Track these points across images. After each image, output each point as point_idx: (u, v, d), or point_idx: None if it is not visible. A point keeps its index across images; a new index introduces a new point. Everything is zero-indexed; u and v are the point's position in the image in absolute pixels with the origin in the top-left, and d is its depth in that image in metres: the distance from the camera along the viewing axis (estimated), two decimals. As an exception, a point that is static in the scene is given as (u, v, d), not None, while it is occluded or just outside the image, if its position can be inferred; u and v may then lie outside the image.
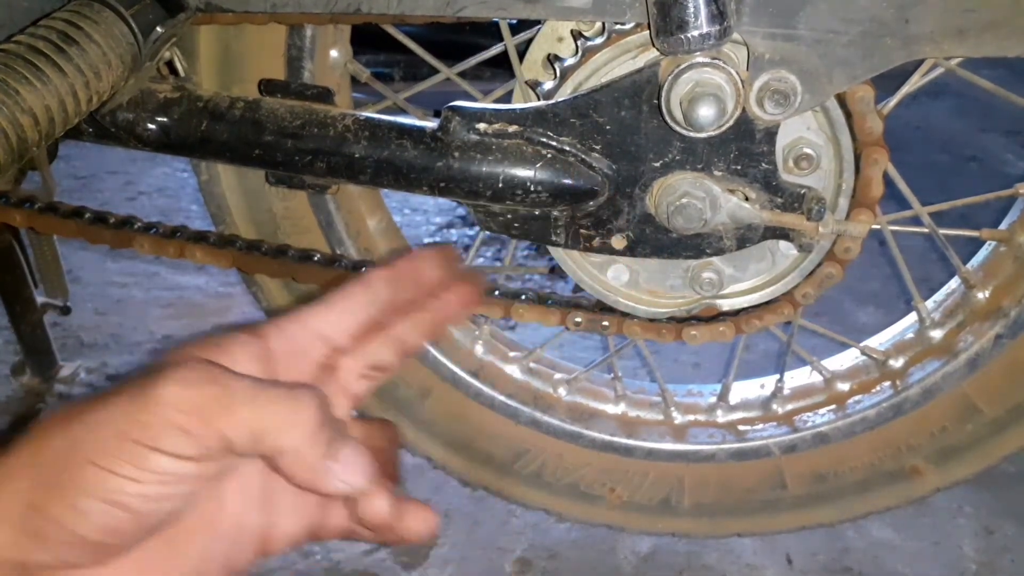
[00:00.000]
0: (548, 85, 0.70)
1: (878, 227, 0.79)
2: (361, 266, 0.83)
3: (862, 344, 0.93)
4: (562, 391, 0.97)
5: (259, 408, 0.42)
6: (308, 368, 0.50)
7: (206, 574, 0.48)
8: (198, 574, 0.48)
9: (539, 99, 0.70)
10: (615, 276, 0.79)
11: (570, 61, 0.69)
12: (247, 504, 0.49)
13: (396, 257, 0.56)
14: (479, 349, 0.96)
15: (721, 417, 0.96)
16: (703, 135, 0.65)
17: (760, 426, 0.95)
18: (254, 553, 0.50)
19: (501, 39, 0.78)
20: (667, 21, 0.59)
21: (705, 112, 0.63)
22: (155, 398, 0.40)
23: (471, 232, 1.83)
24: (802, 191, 0.69)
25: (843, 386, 0.93)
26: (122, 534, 0.41)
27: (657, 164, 0.68)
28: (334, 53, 0.80)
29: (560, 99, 0.68)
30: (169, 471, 0.40)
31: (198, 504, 0.46)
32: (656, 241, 0.72)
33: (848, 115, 0.69)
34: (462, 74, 0.82)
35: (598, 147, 0.68)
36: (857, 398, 0.92)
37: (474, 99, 0.76)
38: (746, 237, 0.71)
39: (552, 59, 0.71)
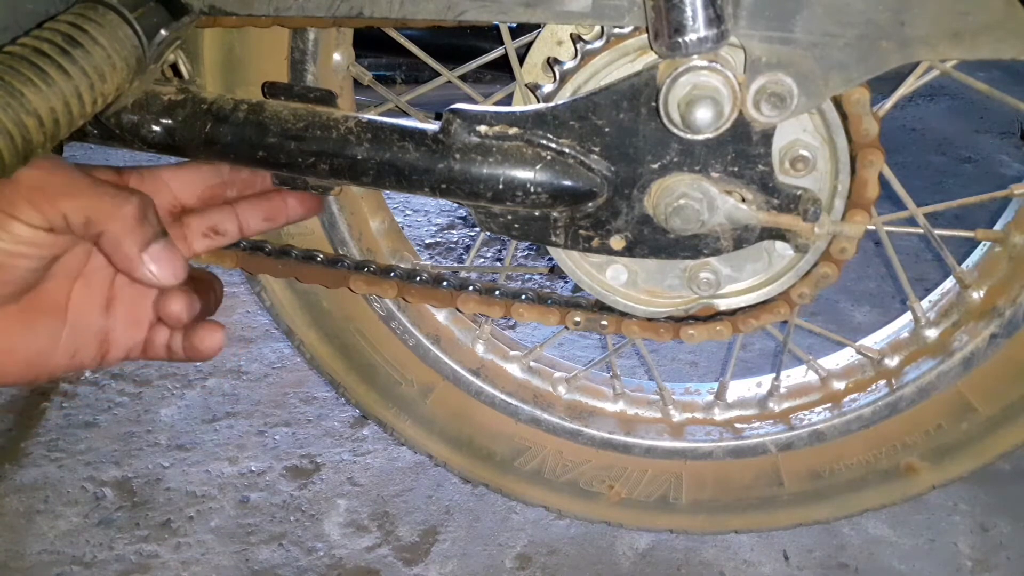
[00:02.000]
0: (548, 88, 0.71)
1: (873, 228, 0.79)
2: (363, 267, 0.83)
3: (858, 343, 0.93)
4: (561, 389, 0.98)
5: (93, 198, 0.55)
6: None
7: (53, 357, 0.59)
8: (46, 354, 0.59)
9: (539, 102, 0.71)
10: (614, 276, 0.79)
11: (569, 64, 0.69)
12: (91, 304, 0.62)
13: None
14: (480, 348, 0.96)
15: (718, 415, 0.97)
16: (700, 137, 0.66)
17: (757, 424, 0.95)
18: (96, 352, 0.62)
19: (501, 43, 0.78)
20: (665, 25, 0.60)
21: (702, 114, 0.64)
22: (16, 178, 0.53)
23: (472, 233, 1.83)
24: (798, 192, 0.70)
25: (839, 385, 0.94)
26: None
27: (655, 166, 0.69)
28: (337, 56, 0.80)
29: (560, 102, 0.68)
30: (24, 236, 0.53)
31: (48, 288, 0.59)
32: (654, 242, 0.72)
33: (844, 117, 0.69)
34: (463, 77, 0.82)
35: (597, 149, 0.69)
36: (853, 396, 0.92)
37: (475, 102, 0.77)
38: (743, 238, 0.71)
39: (552, 62, 0.71)
